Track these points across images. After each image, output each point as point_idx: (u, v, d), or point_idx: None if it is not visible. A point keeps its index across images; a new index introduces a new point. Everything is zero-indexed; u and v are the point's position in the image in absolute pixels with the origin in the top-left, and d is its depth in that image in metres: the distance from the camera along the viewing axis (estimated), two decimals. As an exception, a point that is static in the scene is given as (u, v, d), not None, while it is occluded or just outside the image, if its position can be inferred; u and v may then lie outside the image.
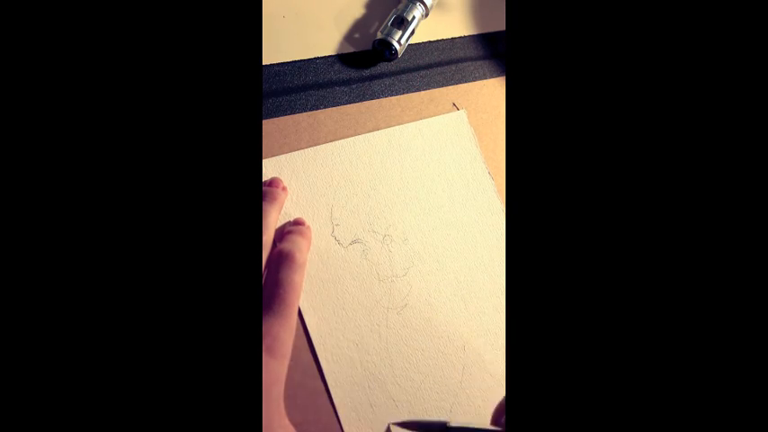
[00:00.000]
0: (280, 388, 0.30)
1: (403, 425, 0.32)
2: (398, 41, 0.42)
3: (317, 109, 0.41)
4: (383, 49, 0.43)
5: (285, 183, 0.37)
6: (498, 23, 0.50)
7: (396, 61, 0.45)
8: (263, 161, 0.38)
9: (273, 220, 0.34)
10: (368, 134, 0.41)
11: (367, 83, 0.43)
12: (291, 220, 0.37)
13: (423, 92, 0.44)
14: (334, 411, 0.33)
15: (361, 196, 0.39)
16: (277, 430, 0.29)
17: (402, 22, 0.43)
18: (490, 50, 0.48)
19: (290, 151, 0.39)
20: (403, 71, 0.44)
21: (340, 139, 0.40)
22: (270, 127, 0.39)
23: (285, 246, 0.33)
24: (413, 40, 0.45)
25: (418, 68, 0.45)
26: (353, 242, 0.37)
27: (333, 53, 0.43)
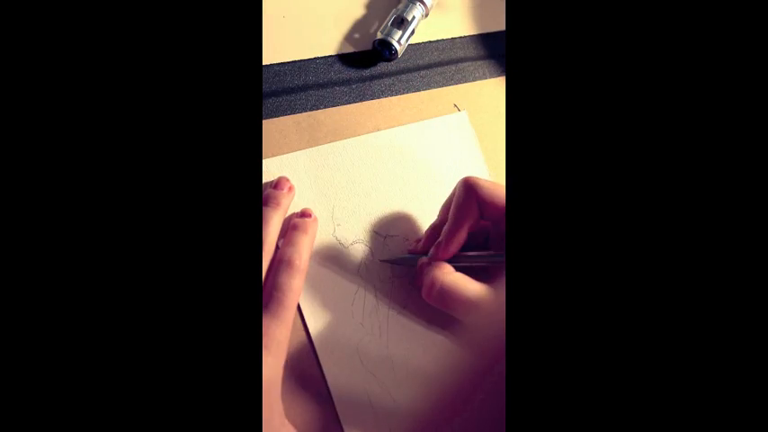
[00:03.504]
0: (278, 387, 0.30)
1: (386, 260, 0.38)
2: (398, 41, 0.42)
3: (317, 109, 0.41)
4: (383, 49, 0.43)
5: (286, 183, 0.37)
6: (498, 23, 0.50)
7: (396, 61, 0.45)
8: (264, 161, 0.38)
9: (277, 226, 0.34)
10: (370, 134, 0.41)
11: (367, 83, 0.43)
12: (298, 211, 0.37)
13: (423, 92, 0.44)
14: (335, 411, 0.33)
15: (362, 197, 0.39)
16: (279, 429, 0.29)
17: (402, 22, 0.43)
18: (490, 50, 0.48)
19: (290, 151, 0.39)
20: (403, 71, 0.44)
21: (340, 139, 0.40)
22: (270, 127, 0.39)
23: (286, 250, 0.34)
24: (413, 40, 0.45)
25: (418, 68, 0.45)
26: (355, 242, 0.37)
27: (333, 53, 0.43)
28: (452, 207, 0.34)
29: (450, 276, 0.33)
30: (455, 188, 0.35)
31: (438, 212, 0.37)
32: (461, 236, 0.34)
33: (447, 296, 0.33)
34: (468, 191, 0.33)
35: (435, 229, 0.36)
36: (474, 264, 0.35)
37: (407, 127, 0.42)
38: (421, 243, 0.37)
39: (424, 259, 0.35)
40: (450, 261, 0.34)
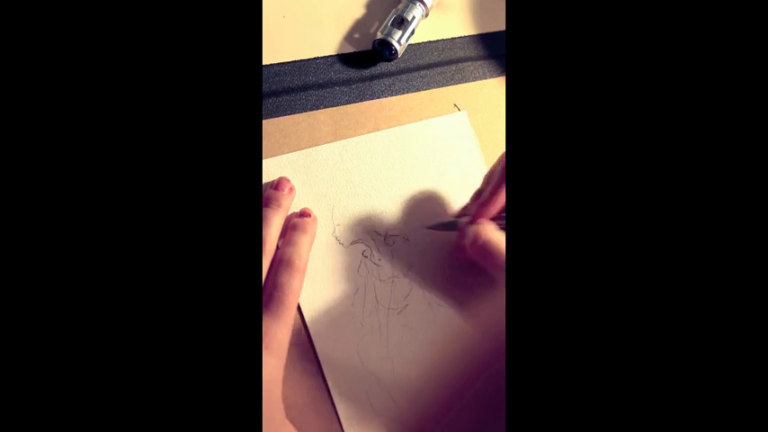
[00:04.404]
0: (278, 387, 0.30)
1: (432, 227, 0.38)
2: (398, 41, 0.42)
3: (317, 109, 0.41)
4: (383, 49, 0.43)
5: (286, 183, 0.37)
6: (498, 23, 0.50)
7: (396, 61, 0.45)
8: (264, 161, 0.38)
9: (277, 227, 0.34)
10: (369, 134, 0.41)
11: (367, 83, 0.43)
12: (298, 211, 0.37)
13: (423, 92, 0.44)
14: (335, 411, 0.33)
15: (362, 196, 0.39)
16: (279, 428, 0.29)
17: (402, 22, 0.43)
18: (490, 50, 0.48)
19: (290, 151, 0.39)
20: (403, 71, 0.44)
21: (340, 139, 0.40)
22: (270, 127, 0.39)
23: (286, 250, 0.34)
24: (413, 40, 0.45)
25: (418, 68, 0.45)
26: (354, 242, 0.38)
27: (333, 53, 0.43)
28: (500, 169, 0.35)
29: (495, 233, 0.34)
30: (499, 157, 0.36)
31: (481, 182, 0.38)
32: (504, 196, 0.35)
33: (488, 251, 0.34)
34: None
35: (480, 194, 0.37)
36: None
37: (407, 127, 0.42)
38: (465, 206, 0.38)
39: (467, 220, 0.36)
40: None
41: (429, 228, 0.38)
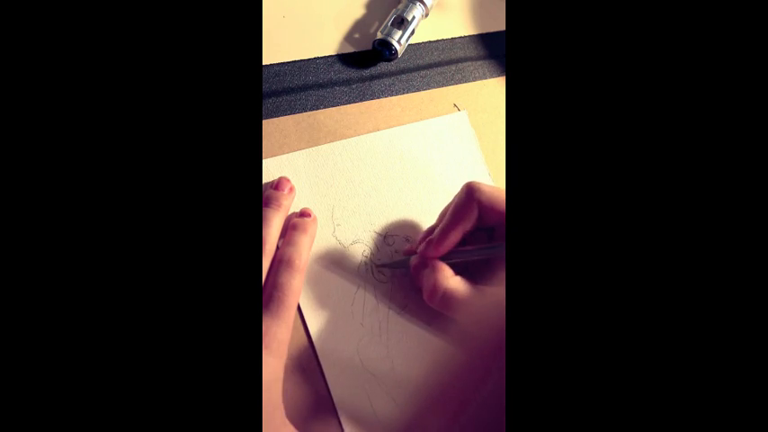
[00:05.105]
0: (279, 387, 0.30)
1: (382, 265, 0.38)
2: (398, 41, 0.42)
3: (317, 109, 0.41)
4: (383, 49, 0.43)
5: (286, 183, 0.37)
6: (498, 23, 0.50)
7: (396, 61, 0.45)
8: (264, 161, 0.38)
9: (277, 227, 0.34)
10: (370, 134, 0.41)
11: (367, 83, 0.43)
12: (298, 211, 0.37)
13: (423, 92, 0.44)
14: (335, 411, 0.33)
15: (362, 196, 0.39)
16: (279, 428, 0.29)
17: (402, 22, 0.43)
18: (490, 50, 0.48)
19: (290, 151, 0.39)
20: (403, 71, 0.44)
21: (340, 139, 0.40)
22: (270, 127, 0.39)
23: (286, 250, 0.34)
24: (413, 40, 0.45)
25: (418, 68, 0.45)
26: (354, 242, 0.38)
27: (333, 53, 0.43)
28: (451, 207, 0.34)
29: (452, 281, 0.33)
30: (454, 197, 0.35)
31: (437, 217, 0.37)
32: (455, 236, 0.34)
33: (451, 301, 0.33)
34: (469, 193, 0.33)
35: (431, 232, 0.36)
36: (468, 258, 0.34)
37: (407, 127, 0.42)
38: (416, 245, 0.37)
39: (416, 258, 0.35)
40: (444, 257, 0.34)
41: (379, 266, 0.37)
